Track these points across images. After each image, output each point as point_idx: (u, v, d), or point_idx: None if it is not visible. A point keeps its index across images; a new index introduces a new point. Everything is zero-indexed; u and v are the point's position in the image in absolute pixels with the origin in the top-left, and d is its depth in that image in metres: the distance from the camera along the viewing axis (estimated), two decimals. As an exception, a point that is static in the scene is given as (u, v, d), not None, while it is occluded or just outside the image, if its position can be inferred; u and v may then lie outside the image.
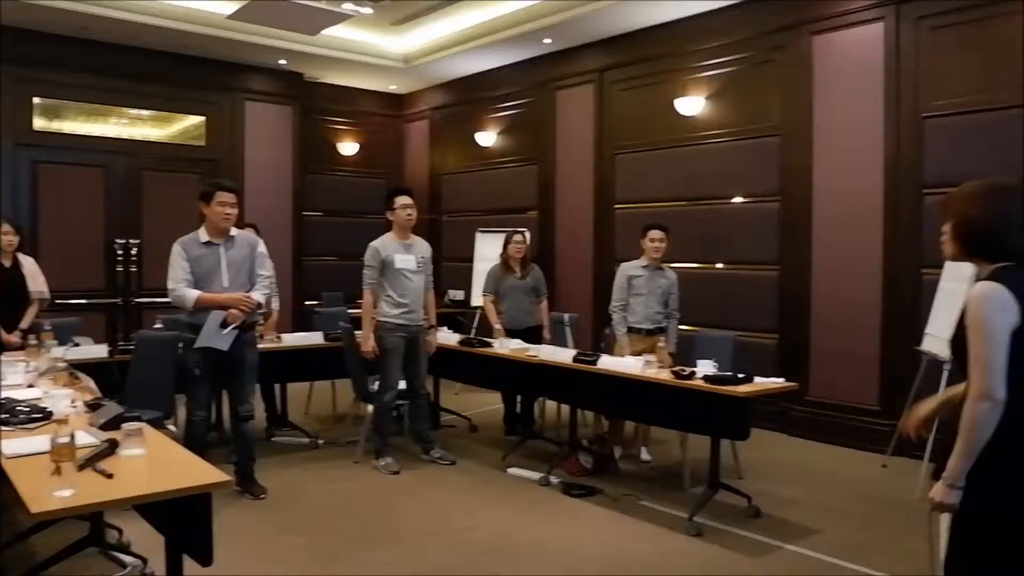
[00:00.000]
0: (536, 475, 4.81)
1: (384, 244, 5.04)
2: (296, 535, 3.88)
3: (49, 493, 2.12)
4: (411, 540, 3.84)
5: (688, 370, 4.26)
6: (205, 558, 2.33)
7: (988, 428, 1.84)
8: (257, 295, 4.37)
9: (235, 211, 4.32)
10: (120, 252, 7.72)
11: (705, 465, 4.27)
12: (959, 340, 1.95)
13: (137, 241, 7.79)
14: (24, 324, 5.09)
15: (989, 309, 1.86)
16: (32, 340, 4.56)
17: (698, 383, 4.08)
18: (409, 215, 5.04)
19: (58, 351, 4.50)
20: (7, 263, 5.09)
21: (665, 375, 4.29)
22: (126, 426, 2.60)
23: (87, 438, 2.64)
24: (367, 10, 7.29)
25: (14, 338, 4.93)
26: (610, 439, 5.20)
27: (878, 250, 5.53)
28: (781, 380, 4.27)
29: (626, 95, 7.36)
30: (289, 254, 8.82)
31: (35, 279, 5.24)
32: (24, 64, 7.22)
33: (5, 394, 3.32)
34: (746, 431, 4.05)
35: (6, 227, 5.16)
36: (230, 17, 5.10)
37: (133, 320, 7.75)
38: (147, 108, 8.10)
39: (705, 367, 4.32)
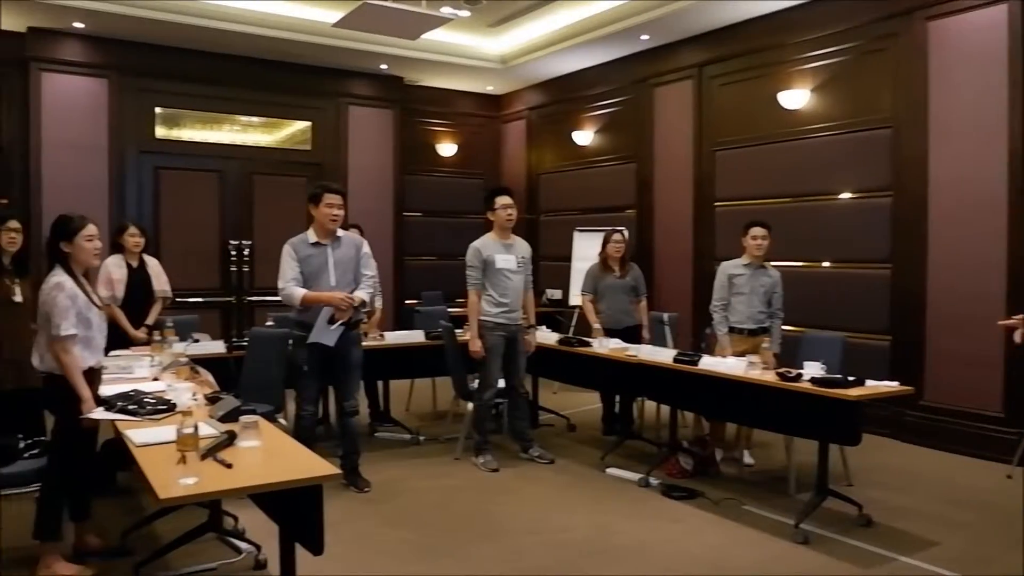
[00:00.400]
0: (635, 476, 4.76)
1: (485, 244, 5.10)
2: (399, 529, 3.98)
3: (175, 481, 2.26)
4: (510, 538, 3.87)
5: (794, 372, 4.13)
6: (316, 547, 2.42)
7: None
8: (361, 293, 4.50)
9: (342, 212, 4.46)
10: (233, 253, 8.12)
11: (811, 470, 4.13)
12: None
13: (249, 242, 8.18)
14: (149, 321, 5.40)
15: None
16: (156, 336, 4.82)
17: (805, 386, 3.95)
18: (509, 215, 5.08)
19: (179, 347, 4.78)
20: (134, 263, 5.41)
21: (770, 377, 4.17)
22: (243, 418, 2.74)
23: (208, 429, 2.79)
24: (465, 13, 7.41)
25: (141, 334, 5.24)
26: (711, 441, 5.09)
27: (1002, 245, 5.21)
28: (895, 384, 4.08)
29: (726, 90, 7.20)
30: (390, 254, 9.03)
31: (159, 278, 5.55)
32: (146, 76, 7.69)
33: (133, 386, 3.55)
34: (857, 436, 3.90)
35: (133, 229, 5.48)
36: (335, 25, 5.27)
37: (245, 317, 8.14)
38: (257, 115, 8.47)
39: (812, 369, 4.18)
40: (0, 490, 3.35)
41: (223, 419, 2.95)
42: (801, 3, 6.35)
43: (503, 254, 5.05)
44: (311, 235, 4.48)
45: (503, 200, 5.09)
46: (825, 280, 6.30)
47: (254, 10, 7.19)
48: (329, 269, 4.44)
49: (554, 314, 8.32)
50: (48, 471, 3.31)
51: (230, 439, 2.65)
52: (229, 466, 2.43)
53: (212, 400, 3.30)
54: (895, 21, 5.81)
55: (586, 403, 6.62)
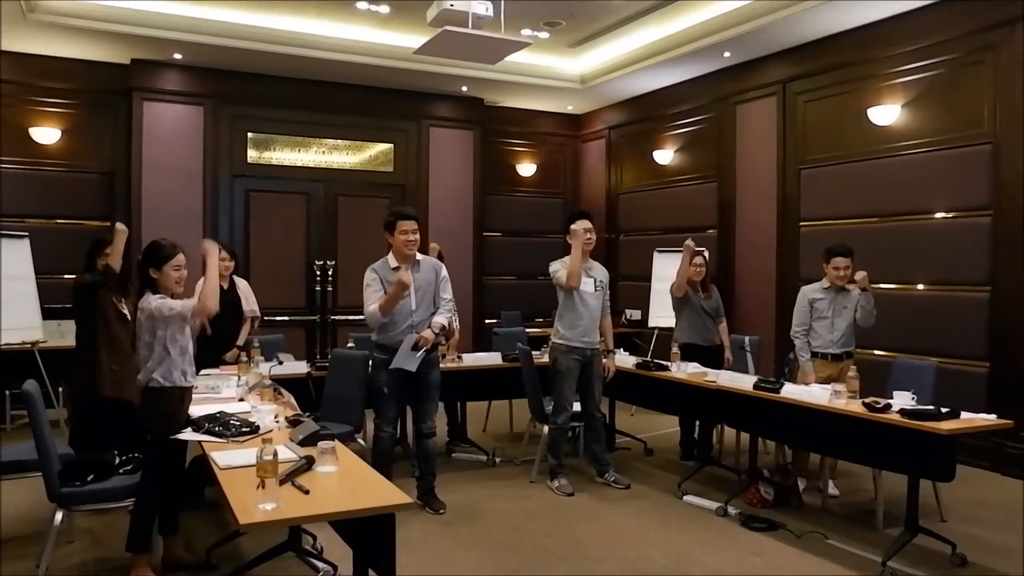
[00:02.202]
0: (713, 504, 4.65)
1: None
2: (474, 551, 3.99)
3: (255, 505, 2.33)
4: (586, 565, 3.83)
5: (883, 402, 3.96)
6: (389, 573, 2.45)
7: None
8: (440, 318, 4.56)
9: (417, 237, 4.54)
10: (318, 272, 8.37)
11: (900, 502, 3.95)
12: None
13: (333, 262, 8.41)
14: (240, 341, 5.61)
15: None
16: (243, 356, 5.00)
17: (894, 417, 3.78)
18: (588, 239, 5.06)
19: (264, 367, 4.95)
20: (224, 285, 5.62)
21: (856, 407, 4.01)
22: (321, 444, 2.80)
23: (287, 453, 2.88)
24: (544, 35, 7.49)
25: (234, 352, 5.45)
26: (793, 470, 4.93)
27: (1114, 269, 4.89)
28: (992, 416, 3.86)
29: (812, 106, 7.01)
30: (470, 273, 9.13)
31: (248, 299, 5.76)
32: (239, 103, 8.04)
33: (220, 407, 3.69)
34: (951, 472, 3.69)
35: (223, 253, 5.69)
36: (416, 52, 5.36)
37: (329, 335, 8.37)
38: (342, 138, 8.71)
39: (902, 399, 4.00)
40: (97, 504, 3.52)
41: (302, 443, 3.04)
42: (893, 15, 6.13)
43: (582, 277, 5.04)
44: (391, 260, 4.58)
45: (583, 224, 5.08)
46: (919, 303, 6.02)
47: (339, 37, 7.42)
48: (410, 293, 4.52)
49: (633, 335, 8.22)
50: (140, 487, 3.47)
51: (308, 465, 2.73)
52: (306, 492, 2.49)
53: (293, 423, 3.39)
54: (994, 32, 5.55)
55: (664, 426, 6.52)
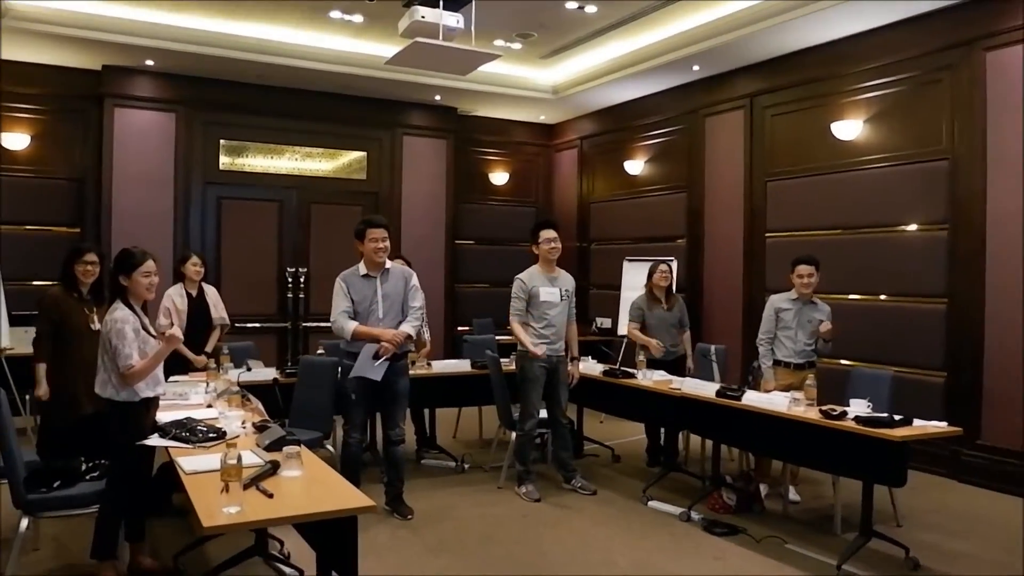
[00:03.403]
0: (677, 510, 4.74)
1: (531, 276, 5.18)
2: (440, 557, 4.04)
3: (219, 509, 2.37)
4: (549, 569, 3.89)
5: (839, 409, 4.08)
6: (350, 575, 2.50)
7: None
8: (407, 327, 4.60)
9: (387, 244, 4.60)
10: (290, 280, 8.38)
11: (859, 509, 4.04)
12: None
13: (305, 269, 8.43)
14: (208, 348, 5.61)
15: None
16: (211, 363, 5.01)
17: (849, 424, 3.90)
18: (553, 248, 5.14)
19: (234, 374, 4.97)
20: (193, 292, 5.64)
21: (813, 414, 4.12)
22: (286, 449, 2.85)
23: (253, 458, 2.92)
24: (516, 45, 7.58)
25: (201, 359, 5.45)
26: (755, 476, 5.04)
27: (1062, 282, 5.06)
28: (943, 424, 3.99)
29: (779, 120, 7.16)
30: (442, 281, 9.18)
31: (217, 307, 5.76)
32: (212, 109, 8.04)
33: (188, 413, 3.71)
34: (902, 477, 3.82)
35: (195, 259, 5.71)
36: (388, 63, 5.44)
37: (301, 343, 8.37)
38: (316, 145, 8.73)
39: (858, 407, 4.13)
40: (63, 511, 3.52)
41: (268, 448, 3.07)
42: (856, 33, 6.29)
43: (547, 287, 5.12)
44: (361, 267, 4.63)
45: (547, 234, 5.16)
46: (878, 314, 6.17)
47: (312, 45, 7.46)
48: (378, 301, 4.57)
49: (601, 344, 8.32)
50: (106, 493, 3.48)
51: (273, 469, 2.77)
52: (270, 496, 2.53)
53: (260, 429, 3.43)
54: (952, 52, 5.72)
55: (632, 433, 6.61)
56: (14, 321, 6.22)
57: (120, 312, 3.47)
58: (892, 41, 6.10)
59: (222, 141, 8.22)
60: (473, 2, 5.18)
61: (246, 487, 2.58)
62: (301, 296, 8.43)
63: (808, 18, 6.04)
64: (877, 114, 6.29)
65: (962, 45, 5.65)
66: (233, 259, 8.16)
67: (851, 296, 6.29)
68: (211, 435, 3.27)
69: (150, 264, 3.60)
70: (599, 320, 8.87)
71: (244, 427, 3.51)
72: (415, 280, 4.79)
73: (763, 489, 5.00)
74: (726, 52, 6.96)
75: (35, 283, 6.89)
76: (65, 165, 7.62)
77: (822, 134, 6.66)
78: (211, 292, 5.81)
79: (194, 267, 5.66)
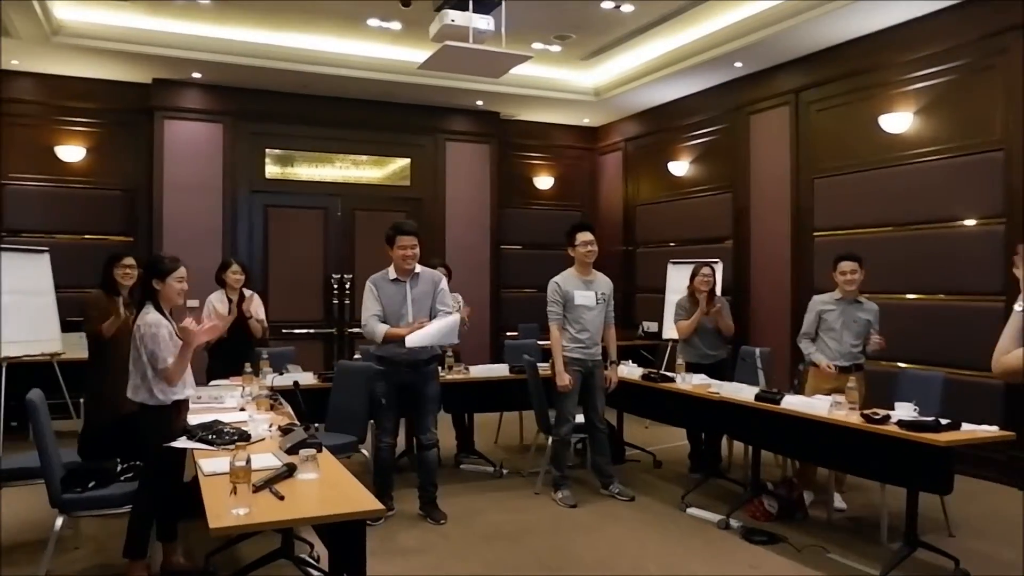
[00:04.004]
0: (716, 517, 4.61)
1: (565, 279, 5.12)
2: (469, 561, 4.00)
3: (228, 511, 2.37)
4: (576, 573, 3.82)
5: (882, 413, 3.91)
6: (359, 577, 2.48)
7: None
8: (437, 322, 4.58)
9: (416, 251, 4.60)
10: (336, 286, 8.48)
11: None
12: None
13: (350, 276, 8.52)
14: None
15: None
16: (247, 368, 5.05)
17: (891, 428, 3.73)
18: (589, 251, 5.08)
19: (270, 379, 5.03)
20: (234, 298, 5.74)
21: (855, 418, 3.95)
22: (303, 452, 2.85)
23: (273, 461, 2.93)
24: (555, 48, 7.54)
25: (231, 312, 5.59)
26: (800, 483, 4.86)
27: None
28: (994, 428, 3.78)
29: (825, 115, 6.95)
30: (487, 286, 9.17)
31: (257, 312, 5.84)
32: (258, 120, 8.21)
33: (221, 416, 3.76)
34: (948, 485, 3.63)
35: (235, 267, 5.81)
36: (420, 68, 5.45)
37: (346, 349, 8.45)
38: (360, 153, 8.84)
39: (903, 410, 3.94)
40: (96, 510, 3.59)
41: (289, 451, 3.08)
42: (904, 21, 6.07)
43: (583, 290, 5.05)
44: (391, 272, 4.64)
45: (583, 236, 5.09)
46: (932, 313, 5.92)
47: (352, 54, 7.55)
48: (407, 305, 4.59)
49: (644, 348, 8.19)
50: (138, 494, 3.54)
51: (289, 472, 2.77)
52: (281, 498, 2.53)
53: (285, 432, 3.45)
54: (1005, 36, 5.46)
55: (675, 439, 6.46)
56: (66, 327, 6.43)
57: (152, 316, 3.54)
58: (941, 28, 5.86)
59: (268, 150, 8.38)
60: (503, 4, 5.14)
61: (259, 489, 2.58)
62: (346, 302, 8.51)
63: (853, 7, 5.85)
64: (927, 105, 6.05)
65: (1015, 29, 5.38)
66: (279, 266, 8.30)
67: (903, 295, 6.05)
68: (234, 437, 3.30)
69: (182, 271, 3.68)
70: (645, 324, 8.74)
71: (270, 430, 3.54)
72: (444, 284, 4.78)
73: (807, 497, 4.83)
74: (769, 47, 6.80)
75: (89, 291, 7.10)
76: (118, 176, 7.87)
77: (870, 128, 6.43)
78: (251, 298, 5.89)
79: (234, 275, 5.76)
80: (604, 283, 5.22)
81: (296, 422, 3.76)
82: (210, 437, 3.33)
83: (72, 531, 4.17)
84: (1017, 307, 2.35)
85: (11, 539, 4.17)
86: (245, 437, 3.34)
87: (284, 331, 7.98)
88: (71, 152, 7.68)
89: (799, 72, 7.10)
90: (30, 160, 7.52)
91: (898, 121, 6.21)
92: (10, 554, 3.99)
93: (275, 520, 2.41)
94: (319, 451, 3.13)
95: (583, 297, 5.03)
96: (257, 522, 2.37)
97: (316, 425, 3.88)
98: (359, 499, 2.55)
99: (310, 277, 8.47)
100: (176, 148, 7.83)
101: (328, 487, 2.72)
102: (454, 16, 4.99)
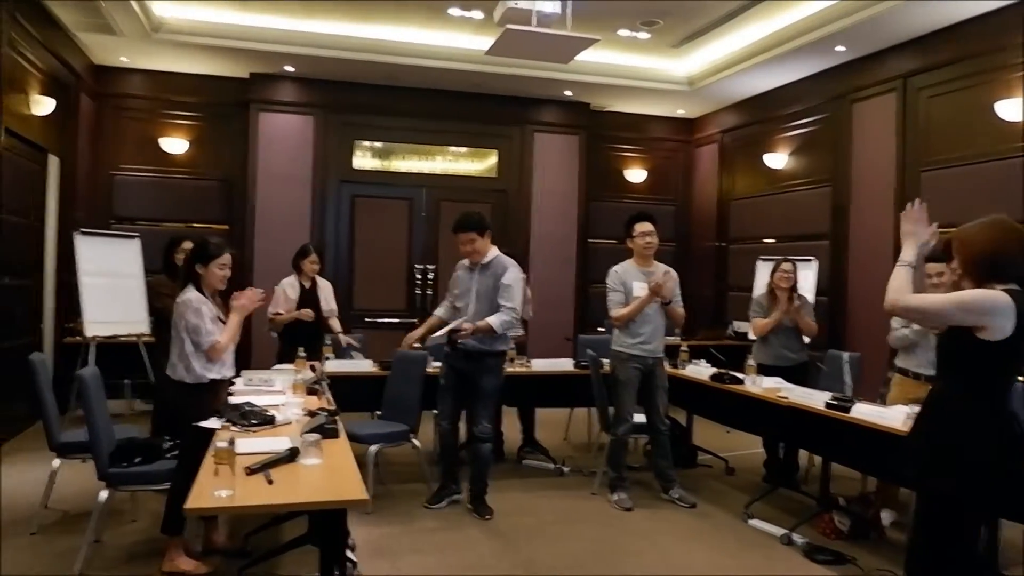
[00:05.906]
0: (779, 531, 4.28)
1: (625, 270, 4.94)
2: (507, 560, 3.88)
3: (210, 492, 2.35)
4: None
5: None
6: (337, 566, 2.41)
7: None
8: (494, 320, 4.48)
9: (474, 247, 4.61)
10: (419, 276, 8.54)
11: (1001, 544, 3.44)
12: None
13: (433, 267, 8.55)
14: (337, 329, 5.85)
15: None
16: (300, 352, 5.06)
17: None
18: (648, 243, 4.86)
19: (331, 364, 5.08)
20: (307, 284, 5.83)
21: (930, 431, 3.55)
22: (305, 437, 2.81)
23: (281, 444, 2.91)
24: (643, 35, 7.28)
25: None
26: (877, 500, 4.45)
27: None
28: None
29: (935, 102, 6.36)
30: (573, 280, 9.00)
31: (328, 300, 5.91)
32: (347, 111, 8.36)
33: (261, 399, 3.80)
34: (1031, 511, 3.20)
35: (313, 256, 5.89)
36: (487, 53, 5.36)
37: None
38: (447, 144, 8.86)
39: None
40: (139, 485, 3.71)
41: (308, 434, 3.05)
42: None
43: (641, 282, 4.82)
44: (466, 259, 4.64)
45: (643, 227, 4.88)
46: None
47: (436, 44, 7.53)
48: (471, 295, 4.60)
49: (718, 348, 7.77)
50: (176, 472, 3.62)
51: (291, 456, 2.74)
52: (270, 482, 2.50)
53: (312, 416, 3.44)
54: None
55: (754, 446, 6.09)
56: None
57: (191, 294, 3.61)
58: (1070, 3, 5.24)
59: (356, 141, 8.52)
60: (572, -11, 4.99)
61: (253, 472, 2.56)
62: (429, 292, 8.55)
63: (963, -18, 5.32)
64: (1051, 90, 5.42)
65: None
66: (364, 256, 8.44)
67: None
68: (255, 420, 3.30)
69: (227, 257, 3.72)
70: (735, 324, 8.32)
71: (299, 414, 3.54)
72: (508, 278, 4.55)
73: (886, 516, 4.41)
74: (873, 28, 6.28)
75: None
76: (216, 167, 8.22)
77: (985, 116, 5.83)
78: (324, 285, 5.97)
79: (311, 264, 5.84)
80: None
81: (330, 408, 3.75)
82: (237, 418, 3.35)
83: (131, 505, 4.34)
84: (902, 262, 2.75)
85: (69, 508, 4.38)
86: (268, 420, 3.35)
87: (367, 319, 8.11)
88: (175, 144, 8.07)
89: (907, 55, 6.53)
90: (138, 152, 7.97)
91: (1017, 108, 5.59)
92: (66, 523, 4.19)
93: (255, 504, 2.39)
94: (335, 437, 3.11)
95: (641, 289, 4.80)
96: (237, 505, 2.34)
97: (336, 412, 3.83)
98: (347, 488, 2.48)
99: (394, 267, 8.56)
100: (270, 139, 8.09)
101: (325, 474, 2.66)
102: (518, 0, 4.87)
